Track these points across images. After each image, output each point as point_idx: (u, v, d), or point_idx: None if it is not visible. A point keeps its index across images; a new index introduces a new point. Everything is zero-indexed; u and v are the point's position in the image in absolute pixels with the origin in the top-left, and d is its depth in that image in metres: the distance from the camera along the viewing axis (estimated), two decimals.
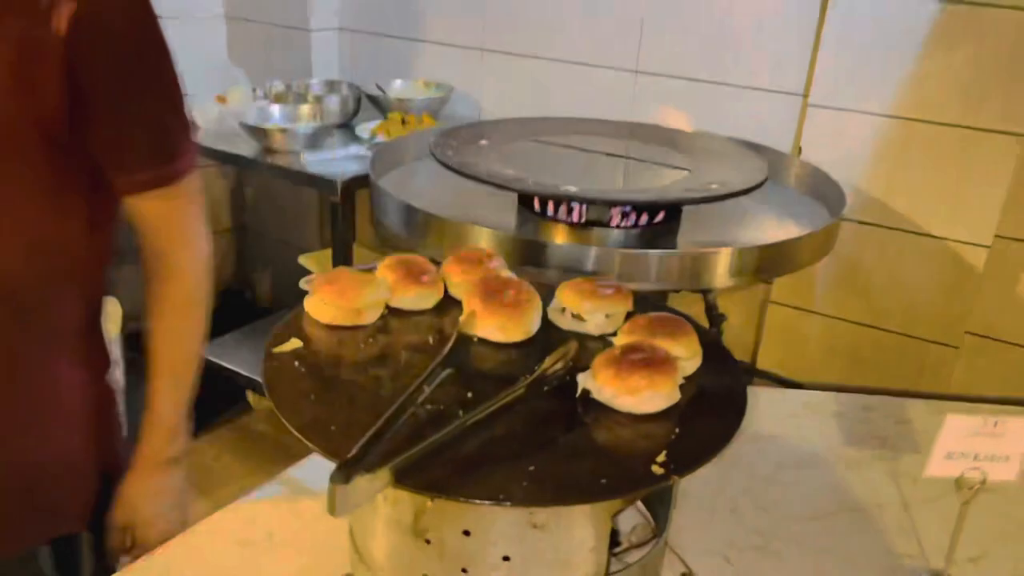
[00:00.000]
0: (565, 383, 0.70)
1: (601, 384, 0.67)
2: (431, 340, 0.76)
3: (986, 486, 0.79)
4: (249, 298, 2.97)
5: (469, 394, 0.68)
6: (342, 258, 2.01)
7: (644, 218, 1.60)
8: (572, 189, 1.54)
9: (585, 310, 0.78)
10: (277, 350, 0.72)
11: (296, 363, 0.70)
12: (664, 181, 1.70)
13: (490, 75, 2.33)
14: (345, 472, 0.55)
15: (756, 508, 0.95)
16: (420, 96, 2.26)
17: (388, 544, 0.67)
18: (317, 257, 2.35)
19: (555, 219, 1.63)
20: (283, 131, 1.98)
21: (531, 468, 0.59)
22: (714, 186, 1.59)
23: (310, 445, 0.59)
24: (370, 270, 0.82)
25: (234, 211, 2.87)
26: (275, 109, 2.10)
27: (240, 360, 2.31)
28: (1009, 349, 1.91)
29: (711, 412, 0.68)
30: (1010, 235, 1.82)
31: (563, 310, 0.80)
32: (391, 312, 0.80)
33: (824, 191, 1.77)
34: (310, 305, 0.77)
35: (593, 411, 0.67)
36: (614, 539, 0.75)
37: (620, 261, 1.44)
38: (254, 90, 2.31)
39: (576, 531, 0.64)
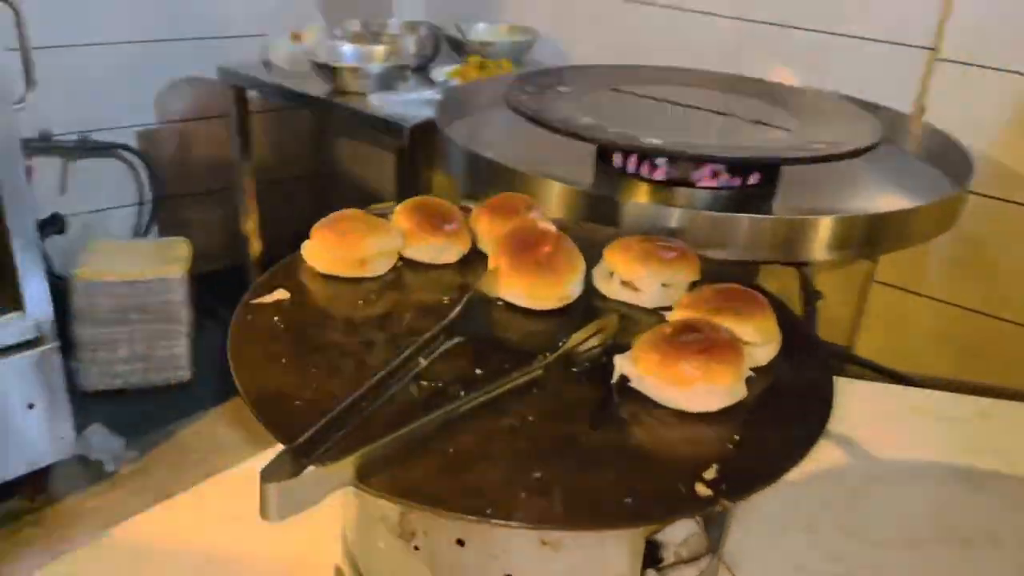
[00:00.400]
0: (599, 365, 0.56)
1: (643, 371, 0.52)
2: (446, 300, 0.63)
3: None
4: None
5: (478, 370, 0.55)
6: None
7: (736, 178, 1.42)
8: (655, 141, 1.37)
9: (638, 277, 0.63)
10: (257, 300, 0.60)
11: (276, 318, 0.58)
12: (763, 138, 1.51)
13: (580, 20, 2.16)
14: (287, 463, 0.43)
15: (837, 528, 0.78)
16: (502, 40, 2.12)
17: (374, 543, 0.56)
18: (386, 207, 2.26)
19: (636, 176, 1.47)
20: (353, 70, 1.87)
21: (537, 475, 0.46)
22: (819, 146, 1.40)
23: (261, 423, 0.48)
24: (385, 214, 0.70)
25: (313, 155, 2.81)
26: (347, 48, 2.00)
27: None
28: None
29: (784, 416, 0.53)
30: None
31: (611, 275, 0.65)
32: (406, 264, 0.68)
33: (948, 158, 1.54)
34: (307, 250, 0.65)
35: (630, 404, 0.53)
36: (655, 554, 0.62)
37: (704, 224, 1.27)
38: (332, 30, 2.21)
39: (599, 551, 0.51)
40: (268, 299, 0.60)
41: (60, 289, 2.03)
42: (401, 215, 0.68)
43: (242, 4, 2.37)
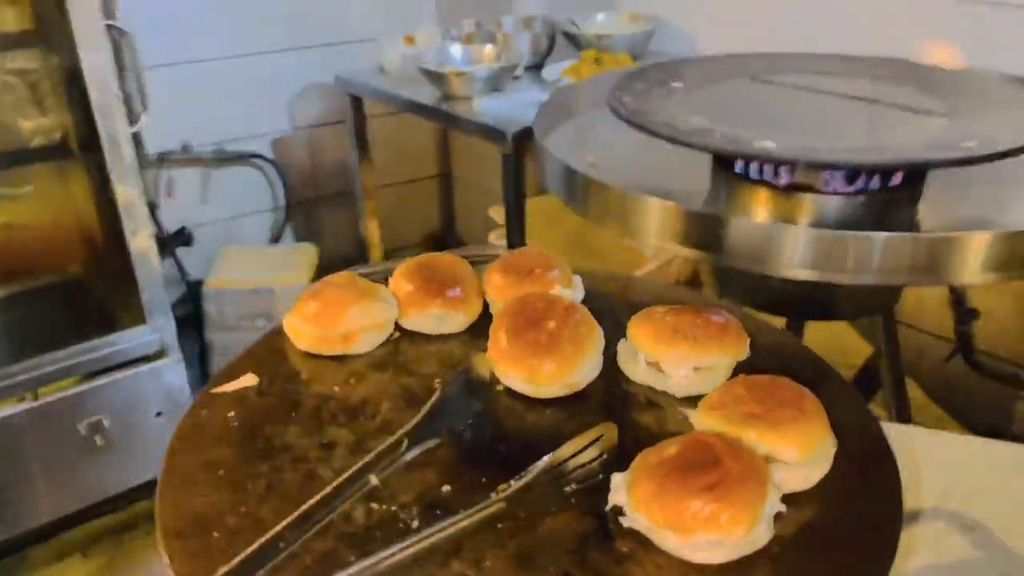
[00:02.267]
0: (595, 483, 0.45)
1: (634, 508, 0.41)
2: (438, 382, 0.54)
3: None
4: (453, 247, 2.90)
5: (445, 487, 0.46)
6: (515, 214, 1.82)
7: (873, 181, 1.23)
8: (768, 145, 1.21)
9: (664, 358, 0.51)
10: (218, 389, 0.53)
11: (231, 413, 0.52)
12: (909, 133, 1.30)
13: (708, 5, 1.98)
14: None
15: None
16: (620, 32, 1.98)
17: None
18: (503, 210, 2.19)
19: (758, 182, 1.30)
20: (459, 75, 1.80)
21: None
22: (971, 144, 1.18)
23: (167, 562, 0.41)
24: (386, 274, 0.61)
25: (438, 157, 2.79)
26: (456, 50, 1.93)
27: None
28: None
29: (827, 570, 0.40)
30: None
31: (636, 353, 0.54)
32: (404, 335, 0.59)
33: None
34: (288, 324, 0.58)
35: (626, 541, 0.42)
36: None
37: (823, 246, 1.10)
38: (447, 30, 2.15)
39: None
40: (231, 387, 0.54)
41: (197, 296, 2.12)
42: (400, 278, 0.60)
43: (358, 7, 2.37)
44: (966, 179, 1.29)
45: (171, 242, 2.09)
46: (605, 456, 0.45)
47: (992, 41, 1.58)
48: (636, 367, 0.53)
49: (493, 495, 0.43)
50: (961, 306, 1.41)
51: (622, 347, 0.55)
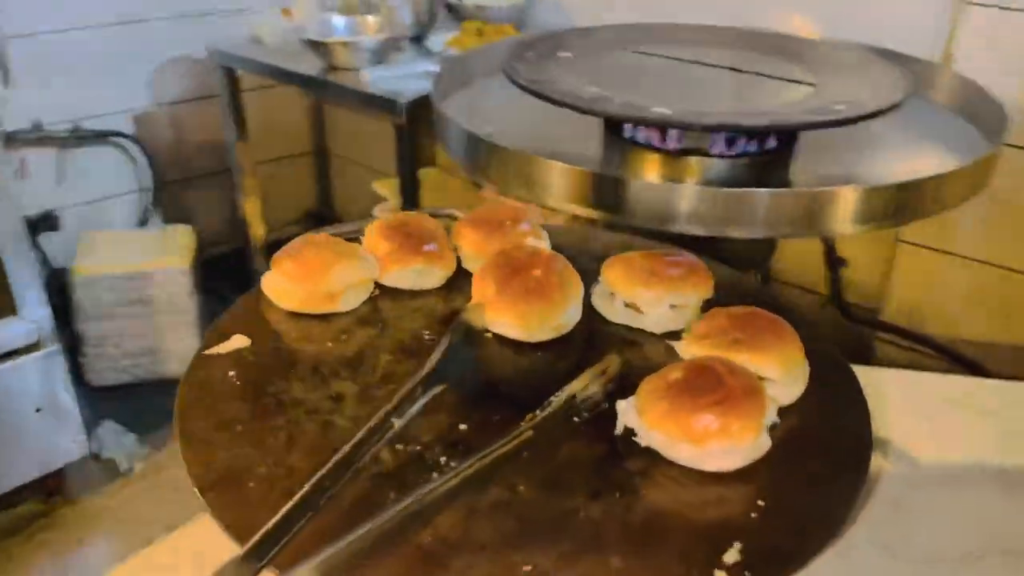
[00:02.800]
0: (602, 412, 0.49)
1: (649, 425, 0.45)
2: (428, 336, 0.56)
3: None
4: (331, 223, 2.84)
5: (462, 425, 0.48)
6: (409, 186, 1.83)
7: (752, 144, 1.33)
8: (664, 111, 1.28)
9: (642, 299, 0.56)
10: (211, 351, 0.53)
11: (231, 373, 0.52)
12: (781, 99, 1.41)
13: None
14: (238, 572, 0.36)
15: (875, 545, 0.72)
16: (500, 3, 2.01)
17: None
18: (390, 183, 2.18)
19: (646, 146, 1.37)
20: (345, 45, 1.77)
21: (527, 568, 0.39)
22: (840, 107, 1.29)
23: (212, 517, 0.41)
24: (356, 236, 0.62)
25: (313, 132, 2.73)
26: (338, 21, 1.90)
27: None
28: None
29: (816, 471, 0.46)
30: None
31: (612, 295, 0.58)
32: (383, 293, 0.61)
33: (980, 110, 1.43)
34: (268, 285, 0.58)
35: (637, 459, 0.46)
36: None
37: (719, 203, 1.18)
38: (323, 1, 2.10)
39: None
40: (224, 348, 0.53)
41: (63, 284, 1.99)
42: (374, 237, 0.61)
43: None
44: (833, 140, 1.41)
45: (36, 228, 1.95)
46: (610, 387, 0.49)
47: (845, 14, 1.73)
48: (613, 308, 0.57)
49: (522, 424, 0.46)
50: (832, 256, 1.55)
51: (597, 291, 0.59)
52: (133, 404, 2.07)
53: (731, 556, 0.39)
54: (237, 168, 2.18)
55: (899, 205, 1.23)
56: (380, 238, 0.60)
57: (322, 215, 2.84)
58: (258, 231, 2.26)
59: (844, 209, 1.26)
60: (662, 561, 0.39)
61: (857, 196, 1.25)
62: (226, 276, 2.48)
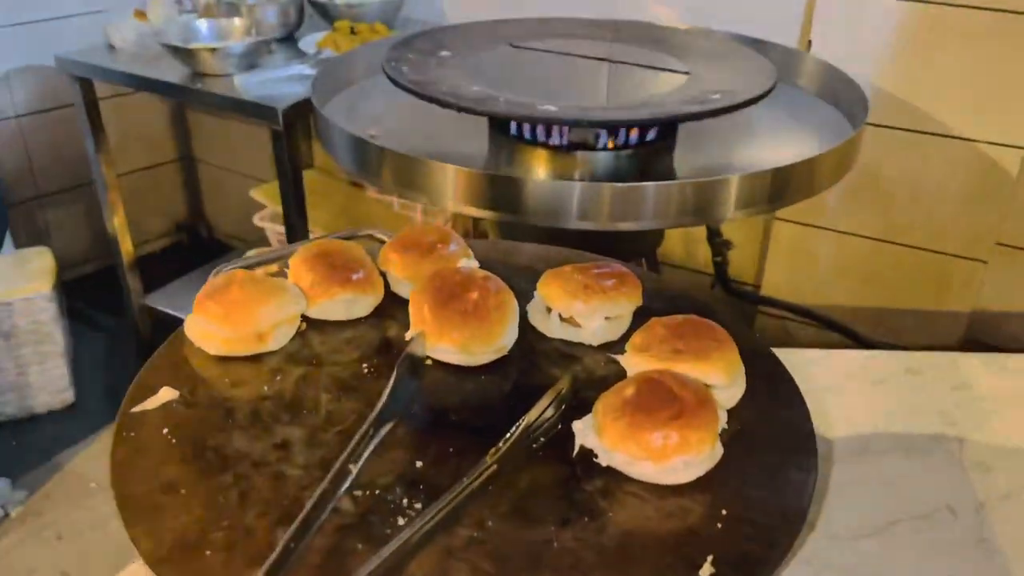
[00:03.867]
0: (555, 433, 0.49)
1: (610, 447, 0.46)
2: (366, 369, 0.55)
3: None
4: (205, 234, 2.72)
5: (419, 462, 0.47)
6: (291, 192, 1.77)
7: (635, 135, 1.36)
8: (550, 109, 1.29)
9: (578, 312, 0.56)
10: (138, 408, 0.50)
11: (165, 430, 0.49)
12: (658, 89, 1.45)
13: None
14: None
15: None
16: (371, 0, 1.97)
17: None
18: (269, 189, 2.10)
19: (533, 143, 1.38)
20: (212, 51, 1.69)
21: None
22: (716, 96, 1.35)
23: None
24: (282, 261, 0.60)
25: (177, 139, 2.59)
26: (202, 24, 1.81)
27: None
28: None
29: (768, 470, 0.48)
30: None
31: (548, 311, 0.58)
32: (311, 325, 0.58)
33: (841, 94, 1.52)
34: (192, 328, 0.55)
35: (598, 479, 0.46)
36: None
37: (609, 199, 1.21)
38: (178, 2, 2.00)
39: None
40: (151, 404, 0.50)
41: None
42: (299, 268, 0.58)
43: None
44: (710, 128, 1.47)
45: None
46: (564, 408, 0.49)
47: (708, 2, 1.80)
48: (550, 324, 0.57)
49: (487, 459, 0.45)
50: (717, 239, 1.61)
51: (532, 307, 0.59)
52: (2, 445, 1.92)
53: (706, 570, 0.40)
54: (100, 181, 2.05)
55: (776, 190, 1.30)
56: (303, 269, 0.58)
57: (194, 226, 2.72)
58: (127, 247, 2.13)
59: (726, 197, 1.31)
60: None
61: (738, 184, 1.30)
62: (94, 298, 2.33)
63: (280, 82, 1.70)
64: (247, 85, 1.66)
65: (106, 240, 2.14)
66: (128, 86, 1.86)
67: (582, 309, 0.56)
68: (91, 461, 1.92)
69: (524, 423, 0.47)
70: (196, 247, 2.67)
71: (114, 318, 2.26)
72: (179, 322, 0.55)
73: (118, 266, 2.17)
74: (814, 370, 0.98)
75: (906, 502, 0.78)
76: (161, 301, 2.18)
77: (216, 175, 2.61)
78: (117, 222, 2.11)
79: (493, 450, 0.46)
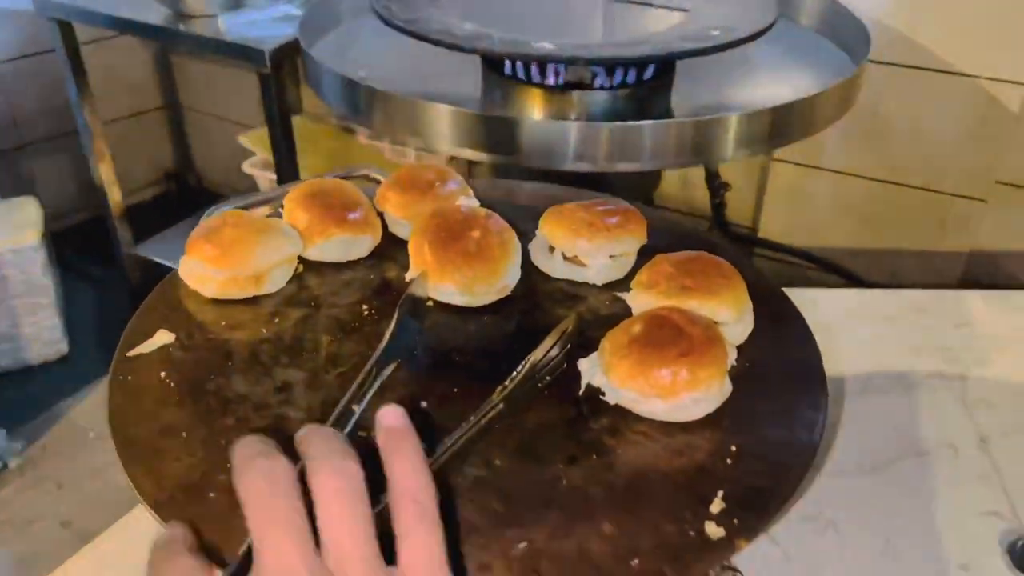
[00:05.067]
0: (561, 372, 0.48)
1: (617, 383, 0.45)
2: (367, 311, 0.53)
3: None
4: (193, 183, 2.68)
5: (424, 402, 0.46)
6: (281, 138, 1.73)
7: (632, 74, 1.33)
8: (546, 46, 1.26)
9: (582, 251, 0.55)
10: (134, 352, 0.49)
11: (163, 373, 0.48)
12: (655, 26, 1.41)
13: None
14: None
15: None
16: None
17: None
18: (258, 136, 2.06)
19: (528, 82, 1.35)
20: None
21: (522, 545, 0.38)
22: (715, 32, 1.31)
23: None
24: (275, 202, 0.58)
25: (162, 86, 2.53)
26: None
27: None
28: None
29: (779, 406, 0.47)
30: None
31: (551, 249, 0.57)
32: (308, 267, 0.57)
33: (843, 31, 1.49)
34: (186, 271, 0.53)
35: (606, 417, 0.46)
36: None
37: (607, 139, 1.19)
38: None
39: None
40: (148, 347, 0.49)
41: None
42: (294, 209, 0.57)
43: None
44: (708, 65, 1.44)
45: None
46: (569, 347, 0.48)
47: None
48: (553, 263, 0.56)
49: (494, 397, 0.44)
50: (715, 181, 1.60)
51: (534, 246, 0.58)
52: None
53: (716, 506, 0.40)
54: (85, 130, 2.01)
55: (775, 129, 1.27)
56: (298, 209, 0.56)
57: (182, 175, 2.68)
58: (115, 196, 2.10)
59: (725, 136, 1.29)
60: (653, 521, 0.39)
61: (737, 123, 1.28)
62: (84, 248, 2.30)
63: (264, 23, 1.66)
64: (231, 26, 1.61)
65: (93, 190, 2.11)
66: (109, 28, 1.81)
67: (586, 247, 0.54)
68: (88, 411, 1.92)
69: (530, 361, 0.46)
70: (185, 196, 2.64)
71: (104, 268, 2.24)
72: (171, 271, 0.54)
73: (107, 216, 2.14)
74: (815, 309, 0.97)
75: (909, 439, 0.78)
76: (152, 250, 2.16)
77: (204, 122, 2.56)
78: (104, 171, 2.07)
79: (500, 388, 0.45)
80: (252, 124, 2.27)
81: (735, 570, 0.66)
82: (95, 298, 2.23)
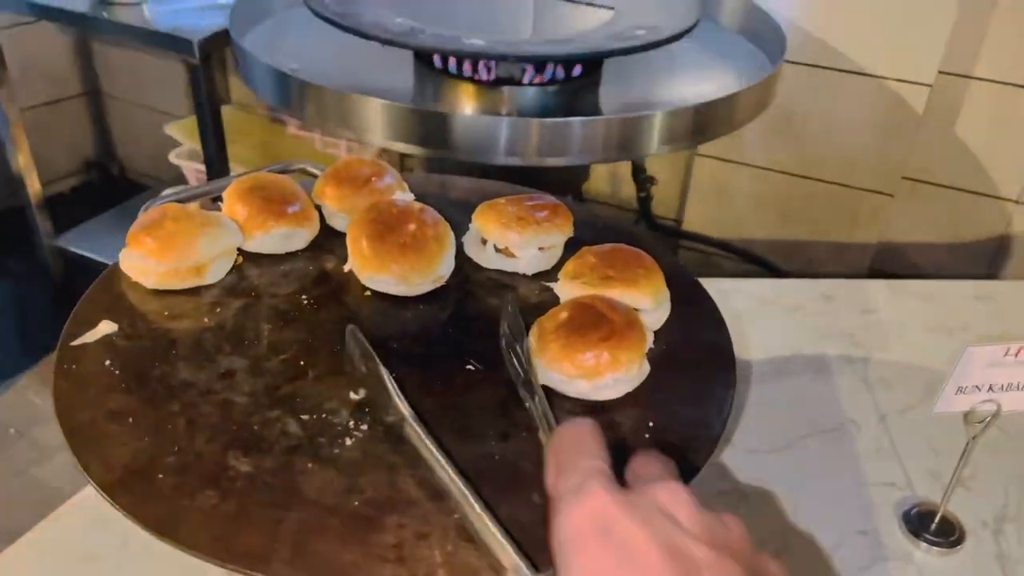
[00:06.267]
0: (492, 355, 0.51)
1: (546, 366, 0.48)
2: (306, 300, 0.56)
3: (998, 419, 0.67)
4: (116, 173, 2.62)
5: (362, 389, 0.49)
6: (211, 128, 1.72)
7: (561, 70, 1.37)
8: (477, 43, 1.28)
9: (513, 243, 0.58)
10: (78, 341, 0.50)
11: (107, 361, 0.49)
12: (584, 25, 1.45)
13: None
14: None
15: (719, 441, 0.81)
16: None
17: None
18: (186, 126, 2.04)
19: (460, 77, 1.38)
20: None
21: (457, 516, 0.41)
22: (640, 32, 1.36)
23: (127, 516, 0.40)
24: (213, 195, 0.60)
25: (83, 72, 2.46)
26: None
27: (111, 251, 2.03)
28: (944, 193, 1.81)
29: (692, 385, 0.51)
30: (954, 71, 1.67)
31: (484, 242, 0.60)
32: (248, 259, 0.59)
33: (759, 31, 1.56)
34: (127, 262, 0.55)
35: (534, 396, 0.49)
36: None
37: (537, 134, 1.22)
38: None
39: None
40: (91, 337, 0.50)
41: None
42: (234, 203, 0.58)
43: None
44: (634, 63, 1.49)
45: None
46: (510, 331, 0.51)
47: None
48: (486, 255, 0.59)
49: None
50: (641, 176, 1.65)
51: (468, 238, 0.61)
52: None
53: None
54: (1, 117, 1.94)
55: (697, 126, 1.33)
56: (238, 203, 0.58)
57: (104, 164, 2.61)
58: (35, 186, 2.04)
59: (650, 132, 1.34)
60: None
61: (661, 119, 1.33)
62: (2, 241, 2.23)
63: (193, 11, 1.64)
64: (157, 14, 1.59)
65: (11, 179, 2.05)
66: (28, 14, 1.76)
67: (516, 240, 0.58)
68: (8, 408, 1.87)
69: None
70: (108, 186, 2.58)
71: (24, 261, 2.17)
72: (94, 263, 0.55)
73: (26, 206, 2.08)
74: (733, 297, 1.03)
75: (816, 418, 0.84)
76: (74, 242, 2.10)
77: (127, 110, 2.50)
78: (22, 160, 2.02)
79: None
80: (178, 113, 2.23)
81: None
82: (14, 291, 2.16)
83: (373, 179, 0.61)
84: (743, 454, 0.80)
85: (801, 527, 0.73)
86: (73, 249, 2.09)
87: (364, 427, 0.46)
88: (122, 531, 0.67)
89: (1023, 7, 1.63)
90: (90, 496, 0.67)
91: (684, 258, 1.95)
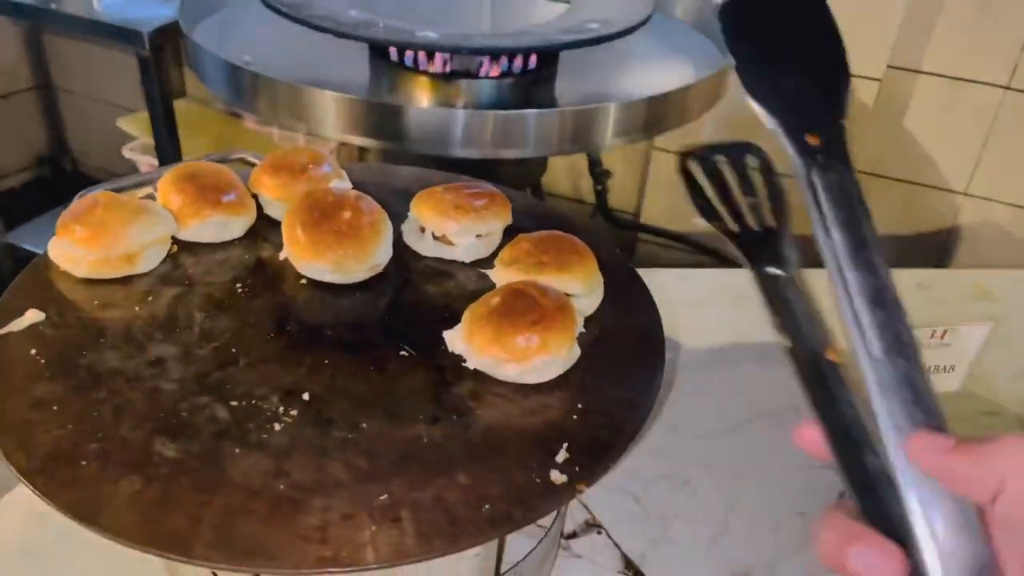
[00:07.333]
0: (426, 341, 0.52)
1: (477, 351, 0.49)
2: (239, 288, 0.56)
3: None
4: (69, 168, 2.58)
5: (294, 375, 0.49)
6: (163, 122, 1.70)
7: (518, 63, 1.38)
8: (430, 35, 1.28)
9: (451, 231, 0.58)
10: (4, 331, 0.49)
11: (33, 350, 0.48)
12: (539, 18, 1.46)
13: None
14: None
15: (663, 428, 0.82)
16: None
17: None
18: (138, 120, 2.01)
19: (415, 70, 1.38)
20: None
21: (383, 497, 0.42)
22: (594, 25, 1.37)
23: (46, 501, 0.40)
24: (149, 185, 0.59)
25: (33, 66, 2.42)
26: None
27: None
28: (895, 185, 1.85)
29: (621, 369, 0.52)
30: (902, 65, 1.70)
31: (422, 230, 0.60)
32: (183, 248, 0.58)
33: (713, 23, 1.58)
34: (57, 251, 0.54)
35: (467, 381, 0.50)
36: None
37: (491, 126, 1.23)
38: None
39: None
40: (17, 325, 0.50)
41: None
42: (168, 191, 0.58)
43: None
44: (588, 57, 1.50)
45: None
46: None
47: None
48: (424, 243, 0.60)
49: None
50: (597, 169, 1.66)
51: (406, 226, 0.61)
52: None
53: (561, 456, 0.44)
54: None
55: (651, 118, 1.34)
56: (172, 192, 0.57)
57: (57, 159, 2.57)
58: None
59: (605, 125, 1.35)
60: (505, 472, 0.44)
61: (615, 112, 1.34)
62: None
63: (146, 3, 1.62)
64: (106, 5, 1.57)
65: None
66: None
67: (454, 228, 0.58)
68: None
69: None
70: (60, 181, 2.53)
71: None
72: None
73: None
74: (681, 286, 1.04)
75: (758, 403, 0.85)
76: (25, 238, 2.07)
77: (79, 104, 2.46)
78: None
79: (404, 353, 0.48)
80: (131, 106, 2.20)
81: (599, 527, 0.72)
82: None
83: (310, 167, 0.61)
84: (687, 439, 0.81)
85: (741, 510, 0.74)
86: (24, 245, 2.05)
87: (294, 412, 0.46)
88: (58, 525, 0.66)
89: (969, 2, 1.66)
90: (25, 491, 0.66)
91: (643, 251, 1.97)
